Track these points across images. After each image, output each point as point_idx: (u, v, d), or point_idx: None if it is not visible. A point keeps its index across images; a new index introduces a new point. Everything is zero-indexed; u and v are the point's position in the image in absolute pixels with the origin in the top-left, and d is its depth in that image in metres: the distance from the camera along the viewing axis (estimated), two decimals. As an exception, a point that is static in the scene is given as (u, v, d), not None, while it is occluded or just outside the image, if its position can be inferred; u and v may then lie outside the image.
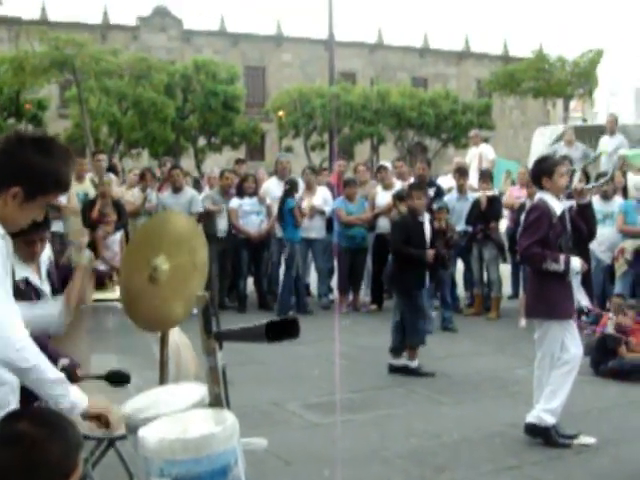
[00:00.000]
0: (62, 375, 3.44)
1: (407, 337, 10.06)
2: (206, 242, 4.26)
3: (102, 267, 6.66)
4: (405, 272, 10.18)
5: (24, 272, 4.75)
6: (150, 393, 3.91)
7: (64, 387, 3.41)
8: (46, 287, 5.03)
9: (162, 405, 3.62)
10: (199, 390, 3.74)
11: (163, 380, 4.39)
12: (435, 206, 12.25)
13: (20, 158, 3.41)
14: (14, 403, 3.58)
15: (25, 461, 2.57)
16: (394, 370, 10.13)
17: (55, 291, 5.23)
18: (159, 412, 3.51)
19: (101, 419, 3.61)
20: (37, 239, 4.90)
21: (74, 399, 3.42)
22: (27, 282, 4.80)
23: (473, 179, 15.89)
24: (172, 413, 3.49)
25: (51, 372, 3.38)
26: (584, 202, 7.86)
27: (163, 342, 4.40)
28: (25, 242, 4.67)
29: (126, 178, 17.06)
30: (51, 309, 4.31)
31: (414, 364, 9.98)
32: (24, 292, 4.64)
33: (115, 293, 5.21)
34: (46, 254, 5.28)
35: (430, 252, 10.10)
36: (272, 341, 3.54)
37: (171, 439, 3.19)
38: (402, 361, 10.14)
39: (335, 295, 15.14)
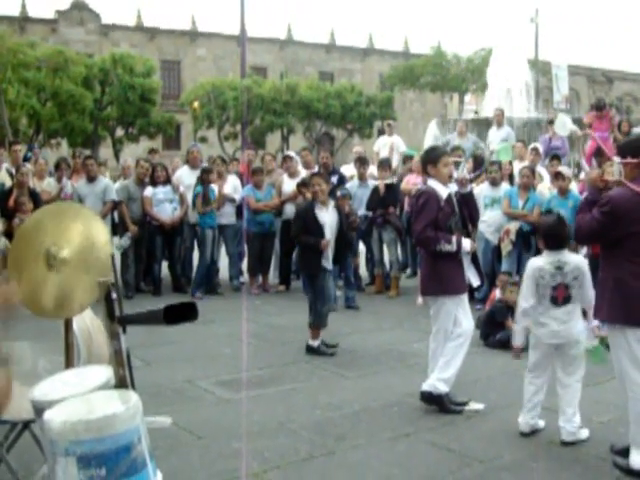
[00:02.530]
0: None
1: (309, 317, 10.06)
2: (110, 231, 4.22)
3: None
4: (306, 257, 10.23)
5: None
6: (57, 377, 3.85)
7: None
8: None
9: (68, 388, 3.57)
10: (105, 372, 3.70)
11: (69, 364, 4.32)
12: (339, 193, 12.29)
13: None
14: None
15: None
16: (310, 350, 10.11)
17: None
18: (65, 395, 3.45)
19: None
20: None
21: None
22: None
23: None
24: (78, 395, 3.44)
25: None
26: (465, 191, 8.05)
27: (67, 327, 4.33)
28: None
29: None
30: None
31: (315, 343, 9.98)
32: None
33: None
34: None
35: (324, 241, 10.08)
36: (170, 324, 3.52)
37: (74, 420, 3.15)
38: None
39: (245, 277, 15.14)
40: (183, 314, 3.57)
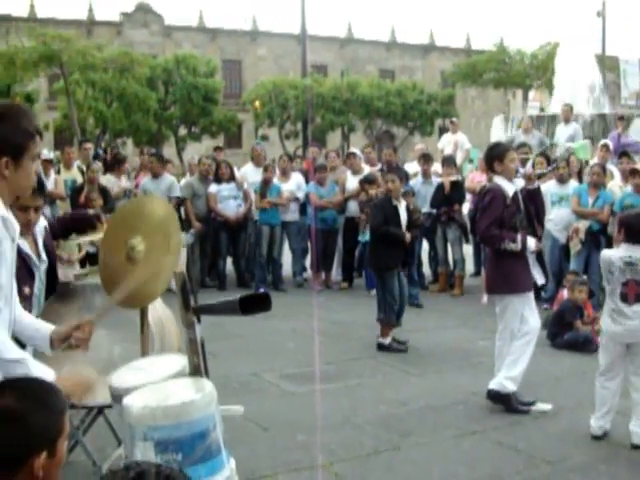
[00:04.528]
0: (22, 355, 3.35)
1: (379, 314, 10.06)
2: (180, 226, 4.27)
3: (92, 211, 6.67)
4: (383, 250, 10.19)
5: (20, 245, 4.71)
6: (134, 364, 3.92)
7: (25, 366, 3.32)
8: (43, 258, 4.98)
9: (145, 375, 3.63)
10: (180, 361, 3.75)
11: (145, 352, 4.39)
12: (402, 190, 12.28)
13: None
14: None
15: (9, 435, 2.55)
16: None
17: (51, 262, 5.23)
18: (142, 382, 3.51)
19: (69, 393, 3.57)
20: (32, 206, 4.86)
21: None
22: (23, 256, 4.74)
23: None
24: (154, 382, 3.49)
25: (8, 352, 3.30)
26: (533, 187, 7.97)
27: (143, 316, 4.40)
28: (19, 209, 4.61)
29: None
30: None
31: (386, 341, 9.97)
32: (19, 266, 4.60)
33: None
34: (42, 224, 5.26)
35: (408, 234, 10.13)
36: (245, 313, 3.55)
37: (153, 406, 3.21)
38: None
39: (308, 274, 15.20)
40: (257, 304, 3.61)
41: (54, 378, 3.38)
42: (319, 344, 10.11)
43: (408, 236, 10.13)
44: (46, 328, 3.74)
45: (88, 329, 3.69)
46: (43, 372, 3.35)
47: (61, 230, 5.81)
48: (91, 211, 6.98)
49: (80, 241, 6.00)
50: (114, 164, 15.05)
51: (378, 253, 10.24)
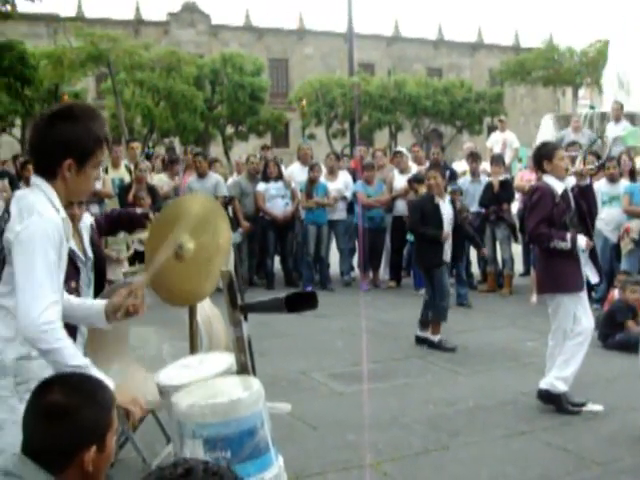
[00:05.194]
0: (85, 362, 3.37)
1: (429, 313, 10.07)
2: (230, 225, 4.28)
3: (139, 211, 6.71)
4: (425, 250, 10.19)
5: None
6: (182, 362, 3.94)
7: (82, 370, 3.31)
8: (89, 254, 5.01)
9: (193, 372, 3.65)
10: (227, 359, 3.77)
11: (193, 350, 4.42)
12: (449, 188, 12.23)
13: (55, 134, 3.44)
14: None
15: (60, 430, 2.60)
16: (419, 341, 10.19)
17: (98, 260, 5.27)
18: (190, 379, 3.53)
19: (125, 411, 3.55)
20: (75, 201, 4.89)
21: None
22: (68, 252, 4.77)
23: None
24: (202, 380, 3.51)
25: (72, 358, 3.32)
26: (584, 184, 7.90)
27: (192, 314, 4.43)
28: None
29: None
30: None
31: (436, 338, 9.98)
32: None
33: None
34: (87, 221, 5.29)
35: (444, 233, 10.11)
36: (291, 311, 3.56)
37: (201, 404, 3.23)
38: (426, 333, 10.17)
39: (356, 273, 15.19)
40: (304, 303, 3.62)
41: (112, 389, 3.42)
42: (367, 343, 10.12)
43: (445, 233, 10.10)
44: (98, 304, 3.79)
45: (140, 293, 3.71)
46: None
47: (108, 227, 5.85)
48: (139, 210, 7.02)
49: (128, 239, 6.05)
50: (168, 164, 15.17)
51: (422, 251, 10.27)
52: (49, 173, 3.48)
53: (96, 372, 3.36)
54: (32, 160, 3.64)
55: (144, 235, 5.61)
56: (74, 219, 4.90)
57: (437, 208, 10.21)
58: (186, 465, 1.90)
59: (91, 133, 3.48)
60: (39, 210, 3.36)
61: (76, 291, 4.01)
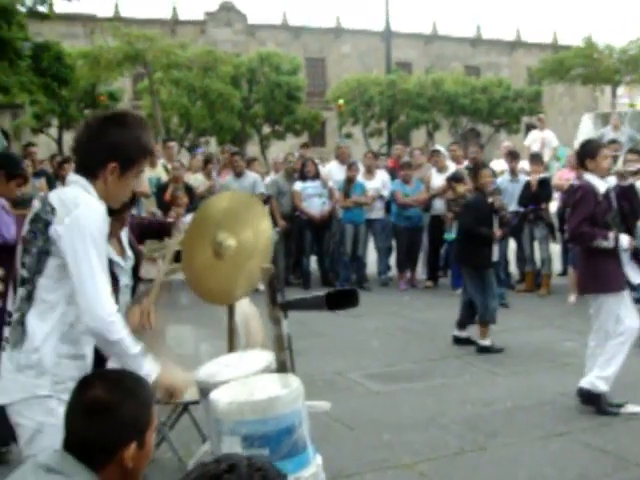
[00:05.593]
0: (140, 349, 3.43)
1: (478, 314, 10.00)
2: (271, 222, 4.29)
3: (170, 219, 6.74)
4: (477, 251, 10.10)
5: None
6: (220, 360, 3.96)
7: (140, 361, 3.41)
8: (129, 254, 5.02)
9: (232, 370, 3.67)
10: (266, 357, 3.79)
11: (232, 348, 4.44)
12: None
13: (105, 136, 3.50)
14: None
15: (101, 426, 2.62)
16: (458, 341, 10.15)
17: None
18: (229, 377, 3.55)
19: (168, 391, 3.66)
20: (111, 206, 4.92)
21: (146, 371, 3.40)
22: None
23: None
24: (241, 378, 3.53)
25: (132, 347, 3.39)
26: (627, 184, 7.82)
27: (230, 313, 4.45)
28: (116, 219, 4.68)
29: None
30: None
31: (486, 342, 9.87)
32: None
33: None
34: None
35: (497, 232, 10.08)
36: (332, 309, 3.57)
37: (240, 401, 3.24)
38: (465, 334, 10.14)
39: (393, 272, 15.17)
40: (344, 301, 3.62)
41: (157, 374, 3.48)
42: (404, 343, 10.12)
43: (497, 233, 10.09)
44: None
45: (152, 309, 3.78)
46: (152, 367, 3.47)
47: (138, 234, 5.86)
48: (170, 219, 7.05)
49: (154, 247, 6.04)
50: (205, 163, 15.24)
51: (474, 251, 10.13)
52: (91, 173, 3.53)
53: (147, 359, 3.46)
54: (76, 158, 3.68)
55: (172, 245, 5.63)
56: (119, 230, 4.94)
57: (490, 208, 10.18)
58: (229, 461, 1.91)
59: (139, 142, 3.55)
60: (84, 201, 3.41)
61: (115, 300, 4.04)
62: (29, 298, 3.45)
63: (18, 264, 3.55)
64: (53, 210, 3.42)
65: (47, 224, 3.41)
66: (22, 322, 3.44)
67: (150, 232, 6.00)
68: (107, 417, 2.63)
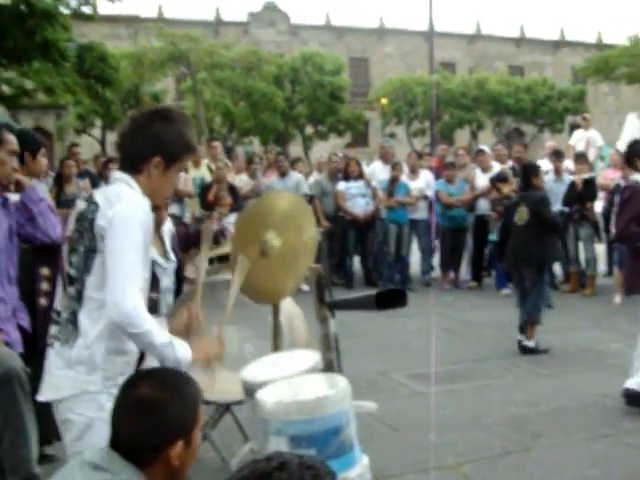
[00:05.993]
0: (169, 337, 3.43)
1: (527, 313, 9.88)
2: (315, 222, 4.29)
3: (215, 226, 6.75)
4: (553, 244, 9.96)
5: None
6: (266, 359, 3.97)
7: (170, 349, 3.40)
8: (171, 257, 5.04)
9: (278, 370, 3.67)
10: (312, 356, 3.79)
11: (277, 347, 4.45)
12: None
13: (150, 130, 3.52)
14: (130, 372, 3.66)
15: (148, 425, 2.65)
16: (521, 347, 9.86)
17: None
18: (275, 376, 3.55)
19: (204, 361, 3.68)
20: (163, 204, 4.94)
21: (179, 356, 3.40)
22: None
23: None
24: (287, 377, 3.53)
25: (160, 337, 3.37)
26: None
27: (275, 312, 4.46)
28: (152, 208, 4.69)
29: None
30: None
31: (531, 343, 9.72)
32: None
33: (227, 248, 5.28)
34: (167, 227, 5.34)
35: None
36: (382, 309, 3.57)
37: (287, 401, 3.24)
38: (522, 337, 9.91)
39: (437, 273, 15.14)
40: (393, 300, 3.62)
41: (189, 358, 3.47)
42: (447, 344, 10.08)
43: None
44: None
45: (198, 314, 3.82)
46: (185, 351, 3.45)
47: (185, 243, 5.88)
48: (215, 226, 7.06)
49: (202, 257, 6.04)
50: (248, 164, 15.30)
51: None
52: (135, 168, 3.56)
53: (178, 345, 3.44)
54: (120, 153, 3.69)
55: (219, 252, 5.65)
56: (160, 222, 4.95)
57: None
58: (280, 459, 1.92)
59: (183, 137, 3.58)
60: (128, 196, 3.44)
61: (156, 303, 4.06)
62: (79, 297, 3.48)
63: (65, 263, 3.58)
64: (97, 207, 3.45)
65: (92, 221, 3.44)
66: (73, 320, 3.47)
67: (195, 240, 6.01)
68: (154, 416, 2.65)
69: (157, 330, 3.40)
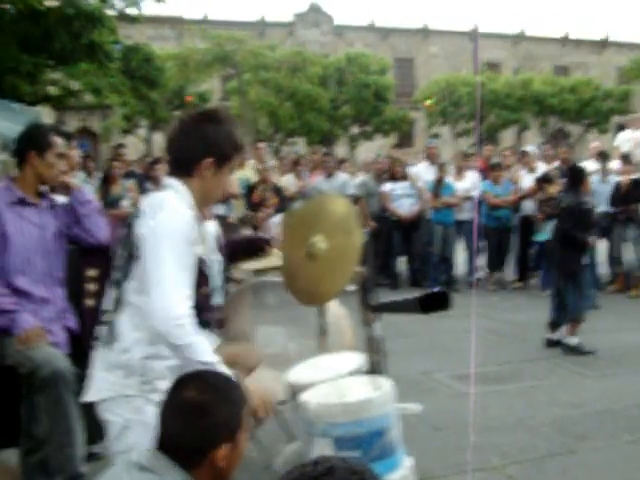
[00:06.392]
0: (215, 359, 3.35)
1: (568, 312, 9.83)
2: (361, 224, 4.27)
3: (263, 234, 6.75)
4: (571, 253, 9.90)
5: None
6: (311, 361, 3.96)
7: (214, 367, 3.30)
8: (217, 257, 5.04)
9: (323, 372, 3.66)
10: (357, 358, 3.77)
11: (322, 349, 4.44)
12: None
13: (200, 132, 3.51)
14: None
15: (194, 427, 2.66)
16: (551, 344, 9.95)
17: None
18: (320, 378, 3.54)
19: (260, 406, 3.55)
20: (206, 205, 4.92)
21: None
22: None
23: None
24: (332, 379, 3.52)
25: (203, 354, 3.31)
26: None
27: (321, 314, 4.44)
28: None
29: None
30: None
31: (574, 340, 9.71)
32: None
33: (274, 260, 5.28)
34: (213, 227, 5.34)
35: (591, 239, 9.90)
36: (426, 312, 3.55)
37: (332, 403, 3.24)
38: (557, 336, 9.94)
39: (482, 273, 15.08)
40: (437, 303, 3.60)
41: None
42: (492, 344, 10.01)
43: (592, 239, 9.92)
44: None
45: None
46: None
47: (231, 251, 5.87)
48: (262, 234, 7.06)
49: (250, 267, 6.03)
50: (294, 164, 15.32)
51: (569, 254, 9.93)
52: (186, 171, 3.55)
53: (225, 370, 3.37)
54: (170, 157, 3.68)
55: (266, 263, 5.65)
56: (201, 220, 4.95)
57: (590, 212, 10.05)
58: (327, 463, 1.91)
59: (232, 138, 3.57)
60: (171, 205, 3.42)
61: (206, 297, 4.07)
62: (120, 301, 3.50)
63: (113, 266, 3.60)
64: (141, 214, 3.45)
65: (134, 228, 3.45)
66: (113, 323, 3.49)
67: (241, 249, 5.99)
68: (201, 418, 2.66)
69: (202, 346, 3.35)
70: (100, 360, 3.53)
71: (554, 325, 10.00)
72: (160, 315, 3.28)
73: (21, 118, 7.43)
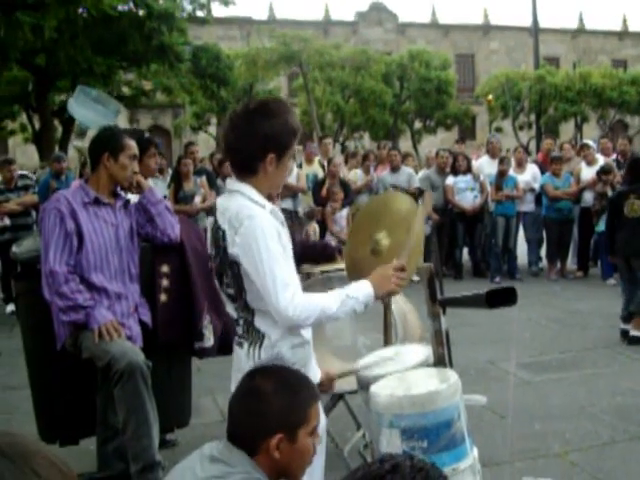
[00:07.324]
0: (340, 296, 3.45)
1: (633, 305, 9.61)
2: (423, 220, 4.25)
3: (333, 243, 6.74)
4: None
5: None
6: (379, 353, 3.95)
7: (349, 302, 3.47)
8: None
9: (390, 364, 3.65)
10: (424, 351, 3.75)
11: (388, 341, 4.42)
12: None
13: (257, 130, 3.42)
14: (311, 359, 3.74)
15: (249, 411, 2.69)
16: (625, 335, 9.59)
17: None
18: (388, 370, 3.53)
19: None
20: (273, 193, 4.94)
21: (362, 300, 3.52)
22: None
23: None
24: (400, 371, 3.50)
25: (333, 305, 3.42)
26: None
27: (386, 307, 4.43)
28: None
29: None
30: None
31: (638, 333, 9.46)
32: None
33: (341, 265, 5.28)
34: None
35: None
36: (492, 307, 3.52)
37: (400, 395, 3.21)
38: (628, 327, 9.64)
39: (544, 263, 14.95)
40: (504, 298, 3.56)
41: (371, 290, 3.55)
42: (555, 333, 9.91)
43: None
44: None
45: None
46: (364, 289, 3.55)
47: (300, 254, 5.87)
48: (333, 242, 7.03)
49: (314, 270, 6.01)
50: (363, 159, 15.31)
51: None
52: (250, 172, 3.50)
53: (354, 291, 3.52)
54: (230, 159, 3.63)
55: (331, 267, 5.65)
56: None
57: None
58: (392, 461, 1.89)
59: (287, 126, 3.48)
60: (247, 214, 3.38)
61: None
62: (247, 308, 3.54)
63: (217, 283, 3.70)
64: (225, 235, 3.44)
65: (225, 249, 3.45)
66: (252, 328, 3.54)
67: (310, 255, 5.98)
68: (256, 404, 2.68)
69: (326, 300, 3.43)
70: (248, 358, 3.52)
71: (625, 317, 9.75)
72: (280, 318, 3.36)
73: (100, 108, 7.42)
